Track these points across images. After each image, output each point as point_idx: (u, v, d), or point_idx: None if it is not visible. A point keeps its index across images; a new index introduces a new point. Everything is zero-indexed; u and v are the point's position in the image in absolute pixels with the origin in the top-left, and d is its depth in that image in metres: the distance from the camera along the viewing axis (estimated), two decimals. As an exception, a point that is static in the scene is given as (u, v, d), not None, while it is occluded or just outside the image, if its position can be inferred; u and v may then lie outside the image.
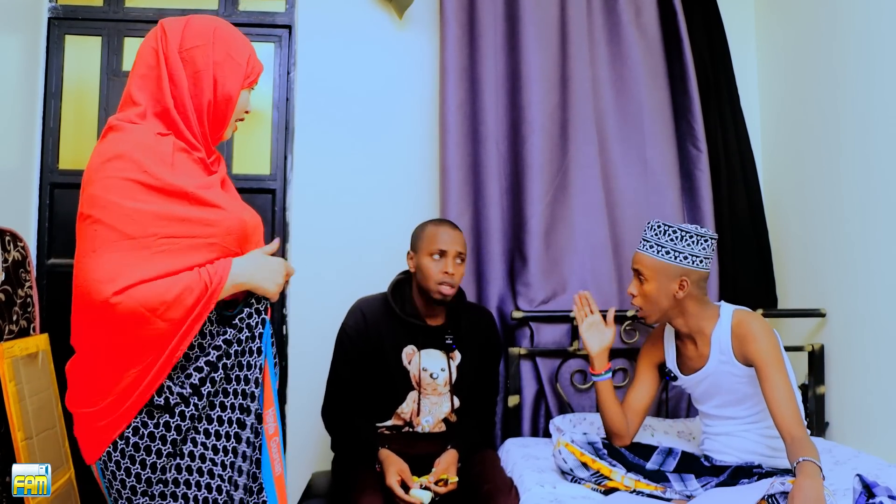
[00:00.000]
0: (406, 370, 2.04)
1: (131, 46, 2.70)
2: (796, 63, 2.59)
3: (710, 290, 2.47)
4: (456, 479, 1.91)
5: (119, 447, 1.33)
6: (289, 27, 2.76)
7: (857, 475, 1.60)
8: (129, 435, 1.33)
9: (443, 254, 2.00)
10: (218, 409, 1.40)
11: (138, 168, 1.33)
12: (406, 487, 1.87)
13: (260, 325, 1.46)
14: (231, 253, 1.43)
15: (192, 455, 1.37)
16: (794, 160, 2.60)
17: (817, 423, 2.32)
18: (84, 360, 1.36)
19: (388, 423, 2.06)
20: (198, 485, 1.36)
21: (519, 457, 2.08)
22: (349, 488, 1.88)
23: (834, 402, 2.33)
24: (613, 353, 2.39)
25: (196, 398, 1.37)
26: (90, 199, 1.32)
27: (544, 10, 2.58)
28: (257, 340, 1.45)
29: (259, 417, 1.44)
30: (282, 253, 2.68)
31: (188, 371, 1.37)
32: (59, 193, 2.63)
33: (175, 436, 1.35)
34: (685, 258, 1.79)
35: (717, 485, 1.73)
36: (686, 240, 1.80)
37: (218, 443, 1.39)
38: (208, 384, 1.38)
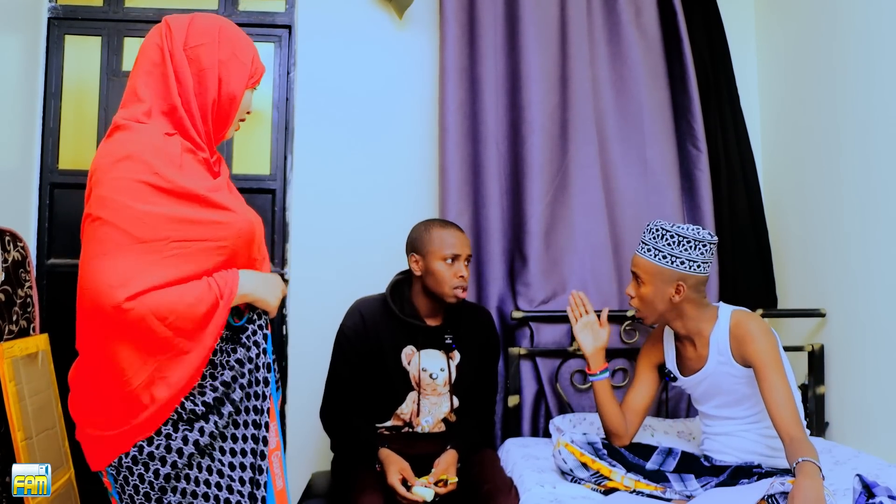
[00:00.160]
0: (405, 370, 2.04)
1: (131, 46, 2.70)
2: (796, 63, 2.59)
3: (710, 291, 2.47)
4: (456, 479, 1.91)
5: (133, 454, 1.31)
6: (289, 27, 2.76)
7: (857, 475, 1.60)
8: (145, 444, 1.31)
9: (455, 258, 2.00)
10: (232, 427, 1.38)
11: (149, 169, 1.31)
12: (408, 486, 1.87)
13: (263, 341, 1.45)
14: (240, 256, 1.42)
15: (209, 469, 1.35)
16: (794, 160, 2.60)
17: (817, 423, 2.32)
18: (89, 367, 1.33)
19: (388, 423, 2.06)
20: (216, 498, 1.35)
21: (519, 457, 2.08)
22: (349, 488, 1.88)
23: (834, 402, 2.33)
24: (613, 354, 2.39)
25: (216, 416, 1.35)
26: (99, 200, 1.29)
27: (544, 10, 2.58)
28: (263, 357, 1.44)
29: (266, 429, 1.44)
30: (282, 253, 2.68)
31: (204, 388, 1.35)
32: (59, 193, 2.63)
33: (193, 450, 1.33)
34: (682, 263, 1.78)
35: (717, 485, 1.73)
36: (683, 244, 1.78)
37: (234, 459, 1.38)
38: (228, 404, 1.37)
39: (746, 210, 2.64)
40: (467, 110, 2.57)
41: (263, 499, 1.40)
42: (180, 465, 1.32)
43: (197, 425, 1.33)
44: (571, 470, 1.80)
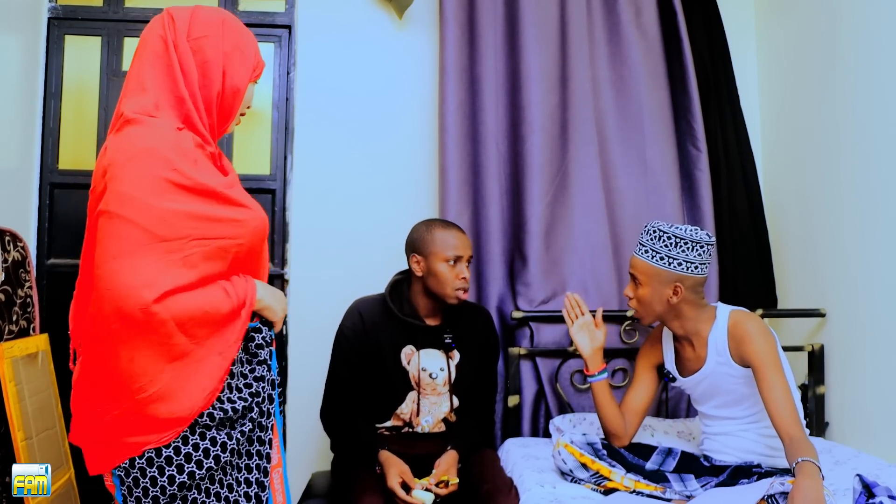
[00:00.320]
0: (405, 370, 2.03)
1: (131, 46, 2.70)
2: (796, 63, 2.59)
3: (710, 291, 2.47)
4: (456, 480, 1.91)
5: (148, 456, 1.27)
6: (289, 27, 2.76)
7: (857, 475, 1.60)
8: (163, 448, 1.27)
9: (458, 259, 2.00)
10: (246, 444, 1.37)
11: (168, 165, 1.27)
12: (407, 489, 1.87)
13: (268, 358, 1.44)
14: (253, 253, 1.40)
15: (220, 483, 1.33)
16: (794, 160, 2.60)
17: (817, 423, 2.32)
18: (100, 371, 1.28)
19: (388, 423, 2.06)
20: None
21: (519, 457, 2.08)
22: (349, 489, 1.88)
23: (834, 402, 2.33)
24: (613, 354, 2.39)
25: (237, 432, 1.33)
26: (118, 196, 1.24)
27: (544, 10, 2.58)
28: (269, 374, 1.42)
29: (270, 446, 1.43)
30: (282, 253, 2.68)
31: (223, 400, 1.33)
32: (59, 193, 2.63)
33: (213, 465, 1.30)
34: (679, 264, 1.78)
35: (717, 485, 1.73)
36: (681, 246, 1.78)
37: (240, 475, 1.36)
38: (248, 421, 1.35)
39: (746, 210, 2.64)
40: (467, 110, 2.57)
41: None
42: (198, 477, 1.29)
43: (220, 438, 1.31)
44: (571, 471, 1.80)
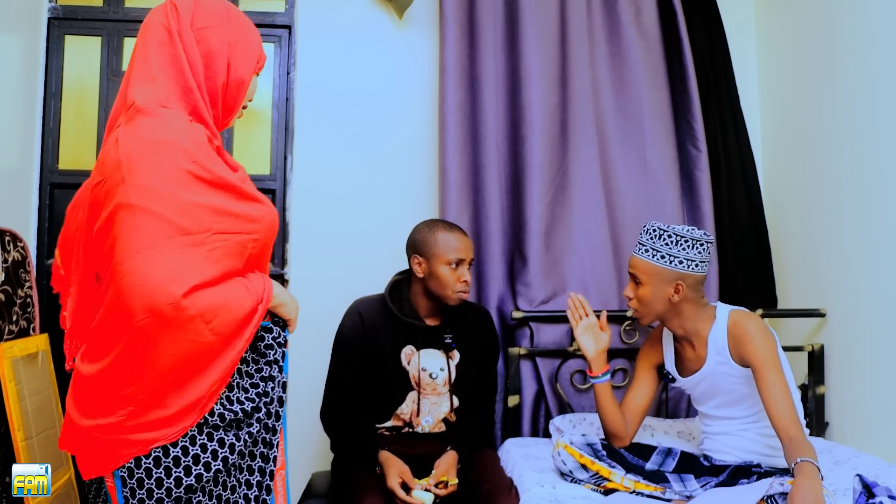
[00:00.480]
0: (405, 370, 2.03)
1: (131, 46, 2.68)
2: (796, 63, 2.59)
3: (709, 291, 2.47)
4: (456, 480, 1.91)
5: (155, 456, 1.24)
6: (289, 27, 2.76)
7: (857, 475, 1.60)
8: (171, 447, 1.25)
9: (460, 262, 2.00)
10: (251, 445, 1.34)
11: (188, 157, 1.24)
12: (407, 489, 1.87)
13: (281, 359, 1.42)
14: (266, 250, 1.38)
15: (224, 485, 1.30)
16: (794, 160, 2.60)
17: (817, 423, 2.32)
18: (121, 367, 1.23)
19: (388, 423, 2.06)
20: None
21: (519, 457, 2.08)
22: (349, 489, 1.88)
23: (834, 402, 2.32)
24: (613, 354, 2.39)
25: (245, 434, 1.31)
26: (140, 189, 1.20)
27: (544, 10, 2.58)
28: (280, 375, 1.40)
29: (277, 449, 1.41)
30: (281, 253, 2.68)
31: (232, 399, 1.31)
32: (59, 193, 2.63)
33: (220, 466, 1.28)
34: (680, 262, 1.79)
35: (717, 485, 1.73)
36: (681, 244, 1.79)
37: (252, 477, 1.35)
38: (255, 423, 1.33)
39: (746, 210, 2.64)
40: (467, 110, 2.57)
41: None
42: (205, 479, 1.26)
43: (228, 440, 1.28)
44: (571, 471, 1.80)
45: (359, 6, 2.72)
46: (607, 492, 1.76)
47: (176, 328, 1.19)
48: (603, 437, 1.95)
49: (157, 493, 1.24)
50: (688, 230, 1.80)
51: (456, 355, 2.08)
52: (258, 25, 2.72)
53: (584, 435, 1.89)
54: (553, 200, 2.54)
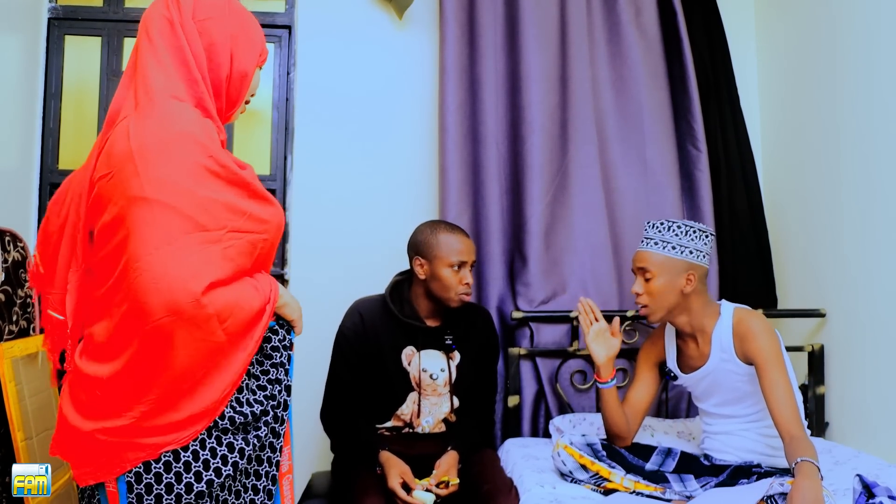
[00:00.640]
0: (405, 371, 2.03)
1: (131, 46, 2.69)
2: (796, 63, 2.59)
3: (710, 291, 2.47)
4: (457, 480, 1.91)
5: (166, 460, 1.20)
6: (289, 27, 2.76)
7: (857, 475, 1.60)
8: (181, 451, 1.21)
9: (462, 264, 2.00)
10: (258, 450, 1.31)
11: (205, 152, 1.21)
12: (408, 489, 1.87)
13: (286, 362, 1.39)
14: (273, 250, 1.35)
15: (229, 489, 1.27)
16: (794, 160, 2.60)
17: (817, 423, 2.32)
18: (132, 368, 1.19)
19: (388, 424, 2.06)
20: None
21: (519, 457, 2.08)
22: (350, 490, 1.88)
23: (834, 402, 2.32)
24: (613, 354, 2.39)
25: (254, 439, 1.29)
26: (158, 182, 1.16)
27: (544, 10, 2.58)
28: (286, 379, 1.38)
29: (281, 453, 1.39)
30: (281, 253, 2.68)
31: (242, 401, 1.29)
32: (59, 194, 2.63)
33: (231, 472, 1.25)
34: (690, 253, 1.81)
35: (717, 485, 1.73)
36: (690, 235, 1.82)
37: (259, 482, 1.32)
38: (263, 426, 1.31)
39: (746, 210, 2.64)
40: (467, 110, 2.57)
41: None
42: (216, 485, 1.23)
43: (238, 444, 1.26)
44: (571, 472, 1.80)
45: (359, 6, 2.72)
46: (607, 492, 1.76)
47: (193, 327, 1.16)
48: (603, 437, 1.95)
49: (166, 500, 1.20)
50: (692, 222, 1.84)
51: (456, 356, 2.08)
52: (258, 25, 2.73)
53: (583, 435, 1.89)
54: (553, 200, 2.54)
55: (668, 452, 1.90)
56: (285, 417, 1.37)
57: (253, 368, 1.35)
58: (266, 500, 1.33)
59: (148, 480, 1.20)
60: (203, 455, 1.23)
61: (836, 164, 2.32)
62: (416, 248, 2.05)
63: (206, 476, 1.22)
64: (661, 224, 1.84)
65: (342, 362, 2.04)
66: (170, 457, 1.21)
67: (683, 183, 2.63)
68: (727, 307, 1.86)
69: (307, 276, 2.62)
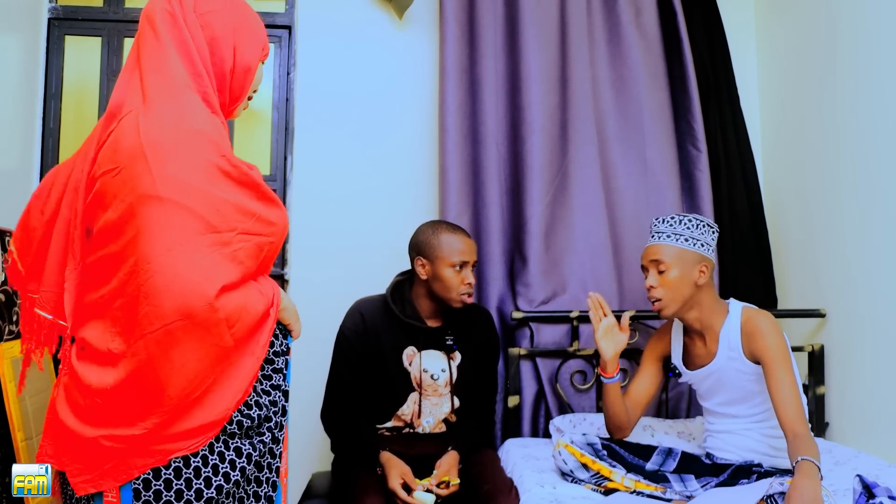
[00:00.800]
0: (406, 371, 2.03)
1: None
2: (796, 63, 2.59)
3: (710, 290, 2.47)
4: (457, 481, 1.91)
5: (176, 466, 1.17)
6: (289, 27, 2.76)
7: (858, 475, 1.60)
8: (191, 457, 1.18)
9: (464, 265, 2.00)
10: (257, 456, 1.28)
11: (217, 150, 1.18)
12: (409, 489, 1.87)
13: (284, 367, 1.38)
14: (276, 255, 1.32)
15: (233, 496, 1.24)
16: (794, 160, 2.60)
17: (817, 423, 2.32)
18: (140, 374, 1.14)
19: (388, 424, 2.06)
20: None
21: (519, 457, 2.08)
22: (350, 490, 1.88)
23: (834, 402, 2.32)
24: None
25: (259, 443, 1.27)
26: (171, 180, 1.12)
27: (544, 10, 2.58)
28: (284, 384, 1.37)
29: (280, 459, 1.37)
30: (281, 253, 2.68)
31: (251, 404, 1.27)
32: (59, 194, 2.63)
33: (239, 477, 1.22)
34: (702, 245, 1.84)
35: (717, 485, 1.74)
36: (700, 228, 1.85)
37: (260, 489, 1.29)
38: (266, 431, 1.29)
39: (746, 210, 2.64)
40: (467, 111, 2.57)
41: None
42: (225, 491, 1.20)
43: (245, 448, 1.24)
44: (572, 471, 1.80)
45: (359, 6, 2.72)
46: (608, 492, 1.76)
47: (203, 332, 1.13)
48: (603, 436, 1.95)
49: None
50: (702, 217, 1.88)
51: (457, 356, 2.08)
52: (258, 26, 2.73)
53: (584, 434, 1.89)
54: (553, 201, 2.54)
55: (669, 452, 1.91)
56: (284, 423, 1.36)
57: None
58: None
59: (157, 487, 1.16)
60: (212, 460, 1.20)
61: (836, 164, 2.32)
62: (418, 248, 2.04)
63: (215, 481, 1.19)
64: (672, 218, 1.87)
65: (343, 362, 2.04)
66: (180, 462, 1.18)
67: (683, 183, 2.63)
68: (736, 305, 1.87)
69: (307, 277, 2.62)
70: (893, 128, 2.07)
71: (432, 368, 2.04)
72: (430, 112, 2.69)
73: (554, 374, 2.40)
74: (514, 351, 2.40)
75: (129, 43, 2.71)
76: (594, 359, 2.40)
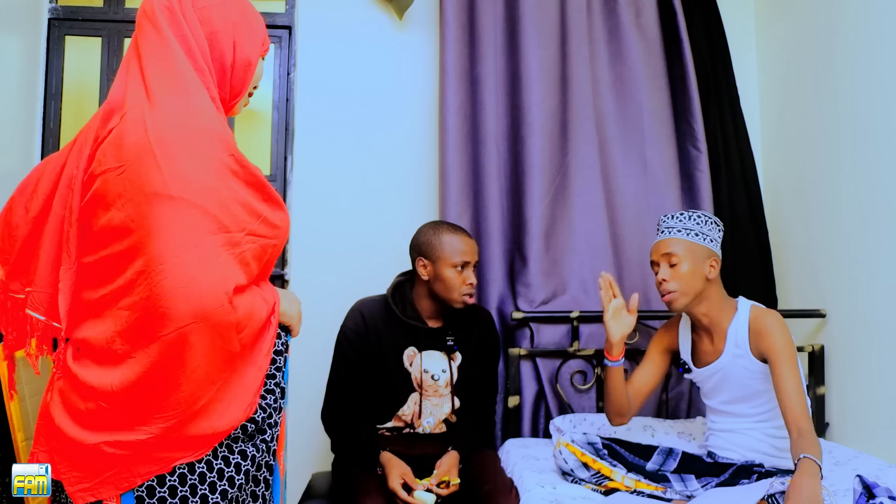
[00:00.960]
0: (407, 372, 2.03)
1: (131, 47, 2.70)
2: (796, 63, 2.59)
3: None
4: (458, 481, 1.91)
5: (181, 472, 1.15)
6: (289, 28, 2.76)
7: (858, 476, 1.60)
8: (196, 463, 1.15)
9: (465, 265, 2.00)
10: (259, 458, 1.26)
11: (226, 148, 1.15)
12: (409, 489, 1.87)
13: (283, 365, 1.35)
14: (276, 258, 1.30)
15: (233, 498, 1.22)
16: (794, 160, 2.60)
17: (817, 423, 2.32)
18: (145, 379, 1.11)
19: (389, 424, 2.06)
20: None
21: (519, 457, 2.08)
22: (350, 490, 1.88)
23: (834, 402, 2.32)
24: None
25: (263, 445, 1.25)
26: (183, 179, 1.09)
27: (544, 10, 2.58)
28: (282, 382, 1.35)
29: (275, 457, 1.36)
30: (282, 254, 2.68)
31: (261, 403, 1.24)
32: (60, 194, 2.63)
33: (243, 481, 1.20)
34: (711, 241, 1.87)
35: (718, 485, 1.74)
36: (709, 224, 1.87)
37: (258, 489, 1.27)
38: (268, 429, 1.26)
39: (746, 210, 2.64)
40: (467, 111, 2.57)
41: None
42: (229, 497, 1.17)
43: (249, 451, 1.22)
44: (572, 470, 1.80)
45: (359, 7, 2.72)
46: (608, 491, 1.76)
47: (215, 335, 1.10)
48: (604, 436, 1.95)
49: None
50: (709, 213, 1.91)
51: (458, 357, 2.08)
52: (258, 26, 2.73)
53: (585, 434, 1.90)
54: (553, 201, 2.54)
55: (670, 452, 1.91)
56: (278, 422, 1.34)
57: None
58: None
59: (161, 494, 1.14)
60: (217, 465, 1.18)
61: (836, 165, 2.32)
62: (419, 248, 2.04)
63: (220, 486, 1.17)
64: (682, 214, 1.89)
65: (343, 362, 2.04)
66: (184, 468, 1.15)
67: (683, 183, 2.63)
68: (744, 303, 1.88)
69: (308, 277, 2.62)
70: (893, 128, 2.07)
71: (433, 369, 2.04)
72: (431, 112, 2.69)
73: (554, 375, 2.40)
74: (514, 351, 2.40)
75: (128, 43, 2.70)
76: (594, 359, 2.40)
